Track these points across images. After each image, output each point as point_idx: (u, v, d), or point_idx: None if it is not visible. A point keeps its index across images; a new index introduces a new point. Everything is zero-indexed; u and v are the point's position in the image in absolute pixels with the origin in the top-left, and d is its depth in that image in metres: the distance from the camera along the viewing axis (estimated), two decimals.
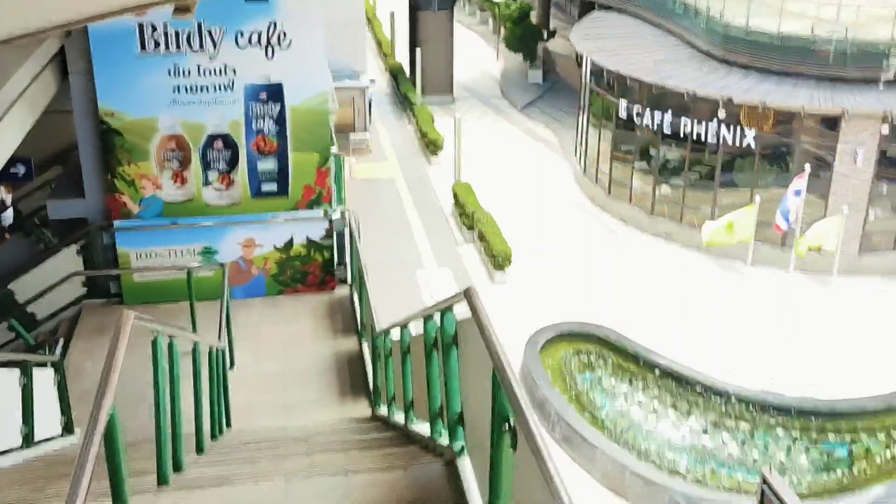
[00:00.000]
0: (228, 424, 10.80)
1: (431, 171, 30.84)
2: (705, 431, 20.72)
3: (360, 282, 12.77)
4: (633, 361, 22.33)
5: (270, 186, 13.66)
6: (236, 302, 13.71)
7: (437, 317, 6.05)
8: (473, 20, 49.57)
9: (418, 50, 34.23)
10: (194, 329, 12.32)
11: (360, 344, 12.66)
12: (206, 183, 13.51)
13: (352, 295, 14.04)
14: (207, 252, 13.79)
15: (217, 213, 13.65)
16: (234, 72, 12.98)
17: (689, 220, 27.01)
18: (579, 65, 39.69)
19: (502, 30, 40.88)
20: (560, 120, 34.68)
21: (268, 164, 13.52)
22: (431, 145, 31.20)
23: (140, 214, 13.50)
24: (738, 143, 25.37)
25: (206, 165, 13.42)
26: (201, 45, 12.79)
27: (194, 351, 8.44)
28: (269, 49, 12.96)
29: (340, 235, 14.21)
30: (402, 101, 35.97)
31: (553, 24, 41.69)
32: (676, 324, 22.82)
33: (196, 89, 12.97)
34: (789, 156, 25.76)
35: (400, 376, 8.24)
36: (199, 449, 8.27)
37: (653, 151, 28.00)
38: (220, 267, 13.03)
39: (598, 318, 22.63)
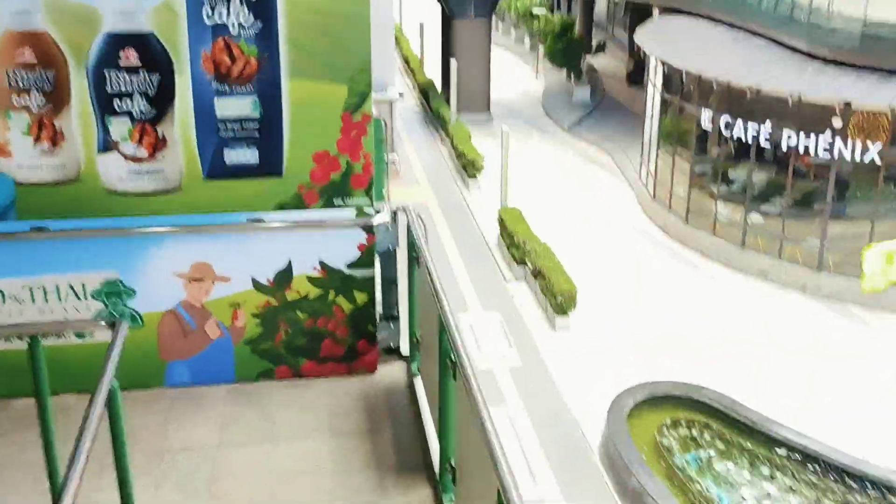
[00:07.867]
0: None
1: (470, 196, 22.98)
2: None
3: (444, 365, 4.70)
4: (750, 436, 14.72)
5: (244, 154, 5.40)
6: (170, 394, 5.74)
7: None
8: (508, 40, 41.57)
9: (452, 62, 26.36)
10: (51, 467, 4.38)
11: None
12: (106, 145, 5.37)
13: (412, 383, 5.83)
14: (112, 292, 5.72)
15: (131, 208, 5.42)
16: None
17: (790, 255, 19.23)
18: (629, 81, 31.89)
19: (541, 47, 33.26)
20: (614, 140, 26.68)
21: (238, 106, 5.40)
22: (469, 166, 23.33)
23: None
24: (858, 160, 17.68)
25: (106, 105, 5.29)
26: None
27: None
28: None
29: (388, 259, 5.96)
30: (434, 119, 28.16)
31: (595, 40, 34.27)
32: (790, 385, 15.42)
33: None
34: None
35: None
36: None
37: (741, 171, 20.26)
38: (133, 323, 5.00)
39: (690, 377, 15.51)
